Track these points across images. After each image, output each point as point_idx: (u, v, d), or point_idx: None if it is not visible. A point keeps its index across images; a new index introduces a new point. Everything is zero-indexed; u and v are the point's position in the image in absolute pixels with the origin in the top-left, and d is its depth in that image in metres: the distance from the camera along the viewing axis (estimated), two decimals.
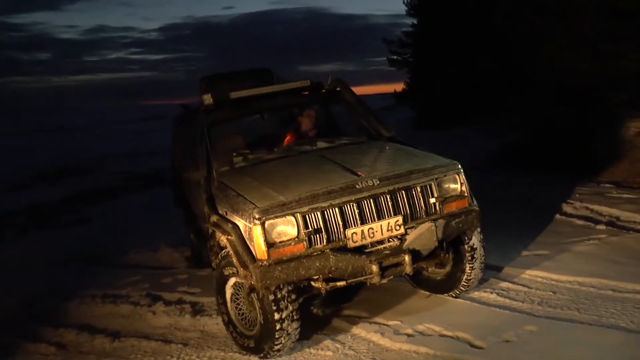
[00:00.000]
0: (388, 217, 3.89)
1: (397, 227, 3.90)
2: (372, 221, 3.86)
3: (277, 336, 3.84)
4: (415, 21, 20.06)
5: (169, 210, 7.05)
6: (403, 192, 3.95)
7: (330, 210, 3.78)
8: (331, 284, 3.91)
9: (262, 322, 3.89)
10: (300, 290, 4.01)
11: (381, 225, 3.87)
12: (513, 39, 10.83)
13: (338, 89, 5.27)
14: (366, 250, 3.87)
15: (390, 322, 4.24)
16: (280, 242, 3.72)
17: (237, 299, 4.17)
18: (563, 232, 5.91)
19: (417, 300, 4.63)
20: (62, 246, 7.92)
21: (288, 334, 3.88)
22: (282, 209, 3.72)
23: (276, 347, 3.90)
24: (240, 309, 4.16)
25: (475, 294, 4.59)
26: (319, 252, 3.74)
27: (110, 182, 14.40)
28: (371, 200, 3.87)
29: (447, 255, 4.35)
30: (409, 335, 4.01)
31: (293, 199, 3.75)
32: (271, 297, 3.78)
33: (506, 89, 12.54)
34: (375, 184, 3.88)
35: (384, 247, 3.91)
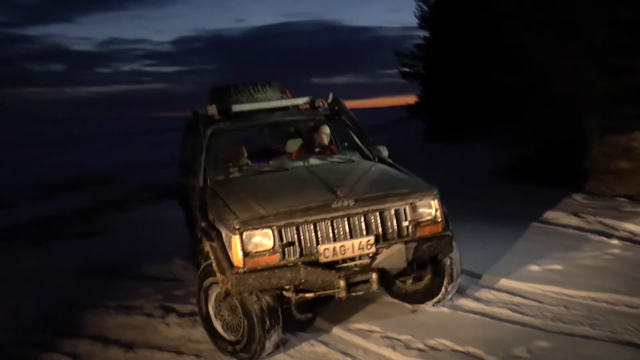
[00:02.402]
0: (360, 236, 4.08)
1: (369, 247, 4.07)
2: (344, 239, 4.04)
3: (260, 335, 4.04)
4: (427, 34, 20.13)
5: (180, 222, 7.10)
6: (377, 213, 4.13)
7: (305, 226, 3.99)
8: (300, 294, 4.12)
9: (247, 325, 4.08)
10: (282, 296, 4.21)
11: (353, 244, 4.04)
12: (524, 51, 10.82)
13: (336, 107, 5.44)
14: (337, 266, 4.04)
15: (402, 337, 4.25)
16: (256, 252, 3.94)
17: (220, 311, 4.39)
18: (576, 246, 5.89)
19: (427, 315, 4.63)
20: (76, 257, 7.97)
21: (270, 336, 4.08)
22: (260, 222, 3.93)
23: (260, 348, 4.08)
24: (224, 320, 4.36)
25: (488, 309, 4.59)
26: (291, 264, 3.95)
27: (123, 194, 14.49)
28: (345, 219, 4.05)
29: (425, 269, 4.57)
30: (420, 350, 4.02)
31: (271, 213, 3.97)
32: (253, 298, 4.04)
33: (518, 102, 12.52)
34: (351, 204, 4.06)
35: (354, 264, 4.08)
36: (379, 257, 4.07)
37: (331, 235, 4.03)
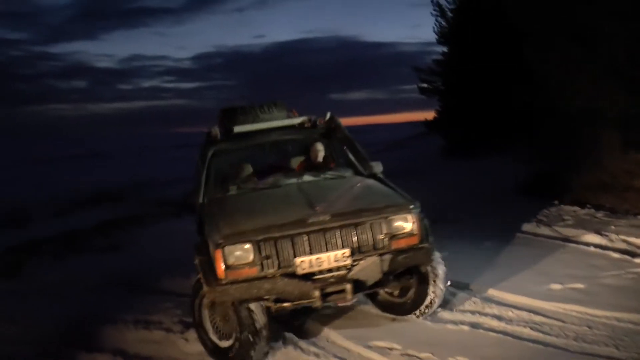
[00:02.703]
0: (336, 249, 4.25)
1: (344, 259, 4.25)
2: (320, 252, 4.23)
3: (245, 307, 4.28)
4: (445, 49, 20.12)
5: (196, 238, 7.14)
6: (352, 227, 4.30)
7: (282, 240, 4.20)
8: (278, 304, 4.35)
9: (239, 332, 4.30)
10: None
11: (329, 256, 4.24)
12: (545, 67, 10.73)
13: (333, 125, 5.63)
14: (314, 277, 4.24)
15: (422, 354, 4.21)
16: (237, 264, 4.17)
17: (216, 325, 4.58)
18: (599, 265, 5.80)
19: (447, 332, 4.58)
20: (96, 272, 8.04)
21: (258, 343, 4.29)
22: (241, 237, 4.17)
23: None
24: (227, 336, 4.51)
25: (509, 328, 4.53)
26: (270, 276, 4.18)
27: (142, 209, 14.60)
28: (321, 233, 4.24)
29: (409, 280, 4.77)
30: None
31: (251, 229, 4.21)
32: (244, 306, 4.27)
33: (536, 117, 12.42)
34: (327, 219, 4.24)
35: (330, 276, 4.27)
36: (355, 269, 4.26)
37: (307, 248, 4.21)
